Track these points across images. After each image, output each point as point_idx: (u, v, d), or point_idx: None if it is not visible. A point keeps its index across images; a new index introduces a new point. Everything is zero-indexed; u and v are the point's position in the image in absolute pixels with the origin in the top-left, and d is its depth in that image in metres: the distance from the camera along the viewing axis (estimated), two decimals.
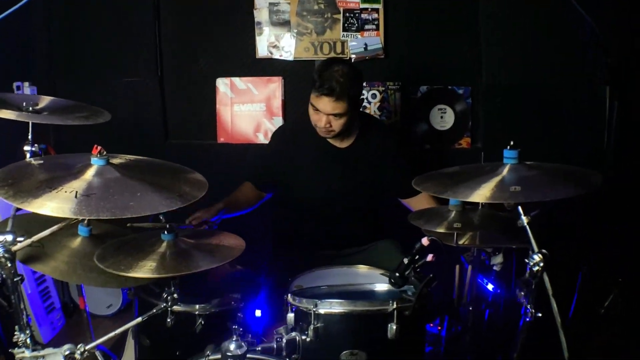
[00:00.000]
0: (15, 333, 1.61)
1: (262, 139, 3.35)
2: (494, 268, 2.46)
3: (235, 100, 3.35)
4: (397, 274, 1.81)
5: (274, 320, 2.21)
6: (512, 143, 1.78)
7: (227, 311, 2.09)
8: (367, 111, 3.26)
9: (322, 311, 1.77)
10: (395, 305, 1.75)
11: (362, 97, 2.61)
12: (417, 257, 1.80)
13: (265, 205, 2.78)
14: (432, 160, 3.31)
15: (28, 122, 2.00)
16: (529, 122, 3.21)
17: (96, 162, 1.70)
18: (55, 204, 1.51)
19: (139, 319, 1.78)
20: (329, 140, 2.60)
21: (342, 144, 2.63)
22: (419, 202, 2.63)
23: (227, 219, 2.67)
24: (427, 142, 3.34)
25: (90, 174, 1.66)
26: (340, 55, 3.26)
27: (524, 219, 1.70)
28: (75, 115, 2.02)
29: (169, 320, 1.94)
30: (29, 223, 1.93)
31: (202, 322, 2.03)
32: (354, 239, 2.70)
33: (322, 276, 2.30)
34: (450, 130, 3.32)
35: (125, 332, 2.83)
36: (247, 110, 3.36)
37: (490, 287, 2.54)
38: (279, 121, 3.33)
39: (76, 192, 1.56)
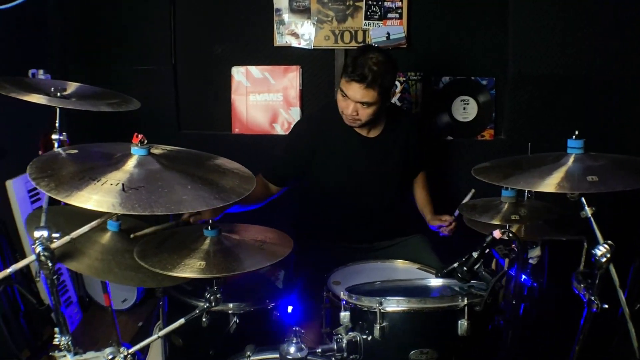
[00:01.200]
0: (56, 335, 1.50)
1: (279, 130, 3.24)
2: (531, 261, 2.40)
3: (251, 89, 3.23)
4: (465, 268, 1.72)
5: (308, 317, 2.12)
6: (577, 132, 1.70)
7: (261, 310, 2.02)
8: None
9: (389, 309, 1.68)
10: (466, 301, 1.68)
11: (394, 89, 2.53)
12: (487, 250, 1.71)
13: (288, 199, 2.68)
14: (454, 152, 3.25)
15: (49, 110, 1.88)
16: (557, 113, 3.15)
17: (137, 152, 1.59)
18: (100, 197, 1.39)
19: (182, 321, 1.66)
20: (356, 129, 2.51)
21: (371, 134, 2.55)
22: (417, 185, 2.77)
23: (250, 213, 2.57)
24: (449, 133, 3.26)
25: (131, 164, 1.55)
26: (362, 45, 3.15)
27: (588, 210, 1.64)
28: (107, 102, 1.90)
29: (204, 319, 1.84)
30: (54, 216, 1.82)
31: (237, 322, 1.95)
32: (384, 233, 2.62)
33: (359, 271, 2.23)
34: (473, 121, 3.24)
35: (147, 329, 2.76)
36: (264, 100, 3.24)
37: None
38: (296, 112, 3.22)
39: (123, 184, 1.44)
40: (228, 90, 3.24)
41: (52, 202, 1.60)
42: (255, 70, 3.22)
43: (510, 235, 1.73)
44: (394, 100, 3.19)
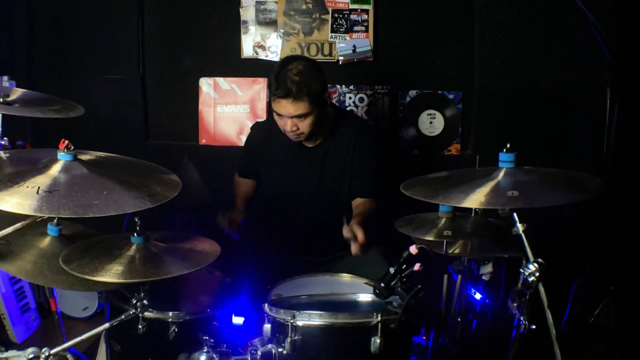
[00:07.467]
0: None
1: None
2: (483, 277, 2.37)
3: (218, 100, 3.25)
4: (383, 285, 1.69)
5: (253, 331, 2.10)
6: (508, 145, 1.68)
7: (201, 319, 1.99)
8: None
9: (300, 323, 1.66)
10: (379, 318, 1.64)
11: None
12: (404, 266, 1.68)
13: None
14: (420, 166, 3.23)
15: None
16: (524, 128, 3.15)
17: (63, 157, 1.62)
18: (16, 200, 1.43)
19: (107, 325, 1.67)
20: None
21: (310, 143, 2.52)
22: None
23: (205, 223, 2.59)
24: (416, 147, 3.25)
25: (56, 169, 1.59)
26: (328, 58, 3.17)
27: (520, 227, 1.62)
28: (47, 109, 1.91)
29: (140, 327, 1.83)
30: None
31: (176, 330, 1.94)
32: (334, 245, 2.54)
33: (304, 285, 2.19)
34: (440, 136, 3.24)
35: (98, 336, 2.75)
36: (231, 111, 3.26)
37: (478, 296, 2.46)
38: None
39: (38, 187, 1.46)
40: (196, 101, 3.26)
41: None
42: (222, 81, 3.24)
43: (426, 251, 1.70)
44: (361, 114, 3.19)
